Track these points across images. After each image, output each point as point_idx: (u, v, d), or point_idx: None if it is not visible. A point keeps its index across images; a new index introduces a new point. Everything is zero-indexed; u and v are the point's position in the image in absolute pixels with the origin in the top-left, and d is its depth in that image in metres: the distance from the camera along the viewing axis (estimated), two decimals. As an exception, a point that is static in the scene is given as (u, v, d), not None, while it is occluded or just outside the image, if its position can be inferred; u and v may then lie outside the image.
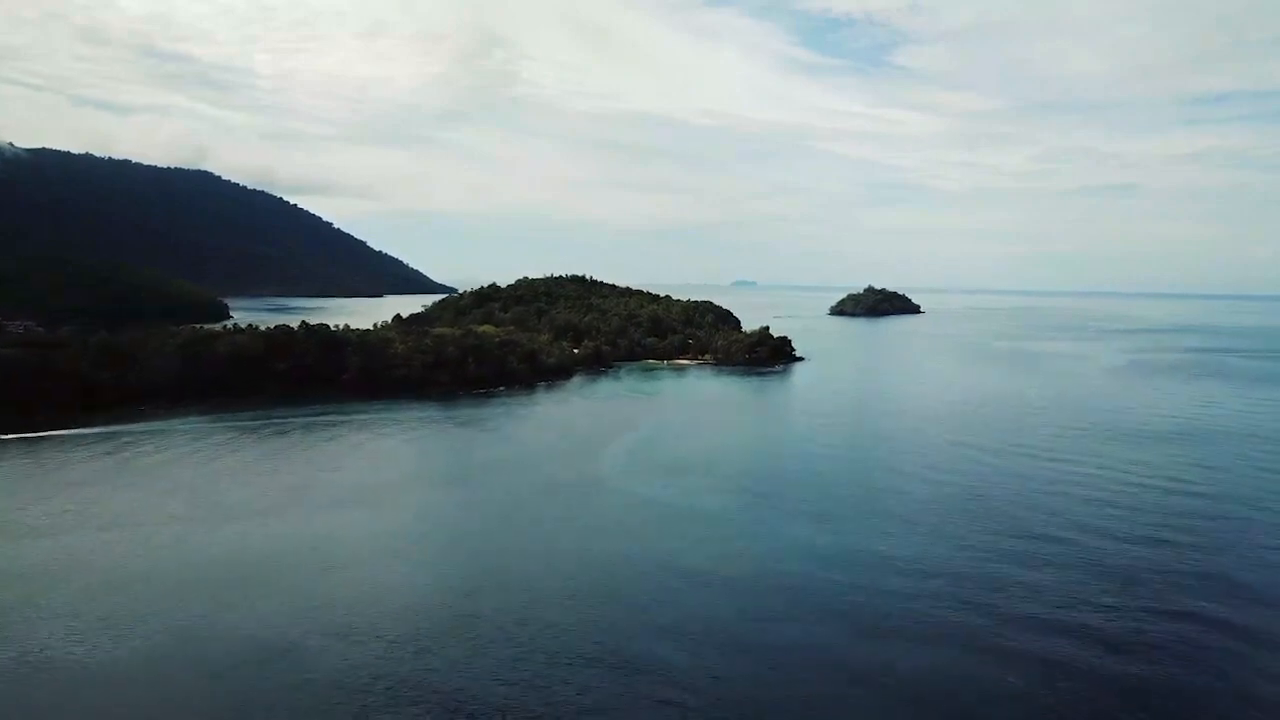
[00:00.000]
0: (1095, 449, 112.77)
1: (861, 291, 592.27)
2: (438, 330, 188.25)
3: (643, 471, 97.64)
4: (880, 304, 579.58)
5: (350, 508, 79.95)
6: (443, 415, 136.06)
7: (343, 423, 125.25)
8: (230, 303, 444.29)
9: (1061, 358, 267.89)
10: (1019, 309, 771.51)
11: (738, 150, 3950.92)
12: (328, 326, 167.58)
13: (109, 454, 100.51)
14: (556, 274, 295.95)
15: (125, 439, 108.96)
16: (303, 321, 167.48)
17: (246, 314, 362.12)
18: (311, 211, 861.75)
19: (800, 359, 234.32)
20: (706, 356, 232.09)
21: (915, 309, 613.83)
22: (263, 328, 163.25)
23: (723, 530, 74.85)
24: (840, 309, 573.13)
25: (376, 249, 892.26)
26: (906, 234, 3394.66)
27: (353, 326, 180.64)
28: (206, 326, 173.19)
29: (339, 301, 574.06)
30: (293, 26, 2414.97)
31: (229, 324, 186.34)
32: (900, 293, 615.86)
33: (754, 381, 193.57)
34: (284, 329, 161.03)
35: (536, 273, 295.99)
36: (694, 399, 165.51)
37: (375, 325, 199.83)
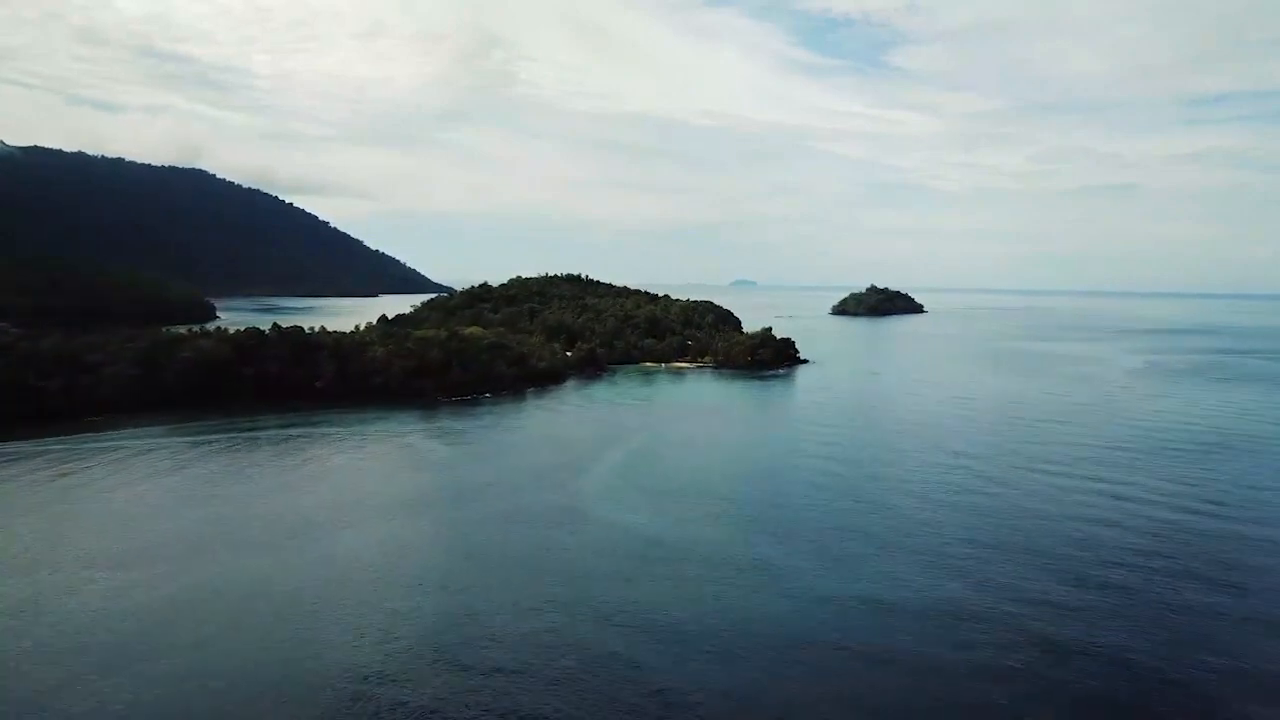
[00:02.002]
0: (1125, 475, 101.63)
1: (864, 291, 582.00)
2: (420, 333, 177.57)
3: (632, 497, 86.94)
4: (883, 303, 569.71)
5: (289, 547, 68.66)
6: (420, 427, 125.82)
7: (309, 436, 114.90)
8: (223, 303, 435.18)
9: (1072, 359, 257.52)
10: (1020, 309, 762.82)
11: (738, 151, 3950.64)
12: (301, 329, 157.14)
13: (37, 474, 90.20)
14: (555, 274, 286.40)
15: (64, 455, 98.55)
16: (274, 324, 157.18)
17: (235, 315, 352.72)
18: (309, 211, 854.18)
19: (805, 361, 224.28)
20: (706, 359, 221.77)
21: (919, 308, 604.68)
22: (232, 330, 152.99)
23: (717, 574, 64.34)
24: (842, 308, 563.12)
25: (374, 248, 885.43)
26: (906, 234, 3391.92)
27: (340, 328, 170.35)
28: (173, 329, 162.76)
29: (332, 301, 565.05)
30: (291, 27, 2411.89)
31: (197, 327, 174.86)
32: (903, 292, 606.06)
33: (757, 386, 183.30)
34: (254, 332, 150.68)
35: (536, 272, 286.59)
36: (693, 406, 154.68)
37: (358, 327, 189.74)
